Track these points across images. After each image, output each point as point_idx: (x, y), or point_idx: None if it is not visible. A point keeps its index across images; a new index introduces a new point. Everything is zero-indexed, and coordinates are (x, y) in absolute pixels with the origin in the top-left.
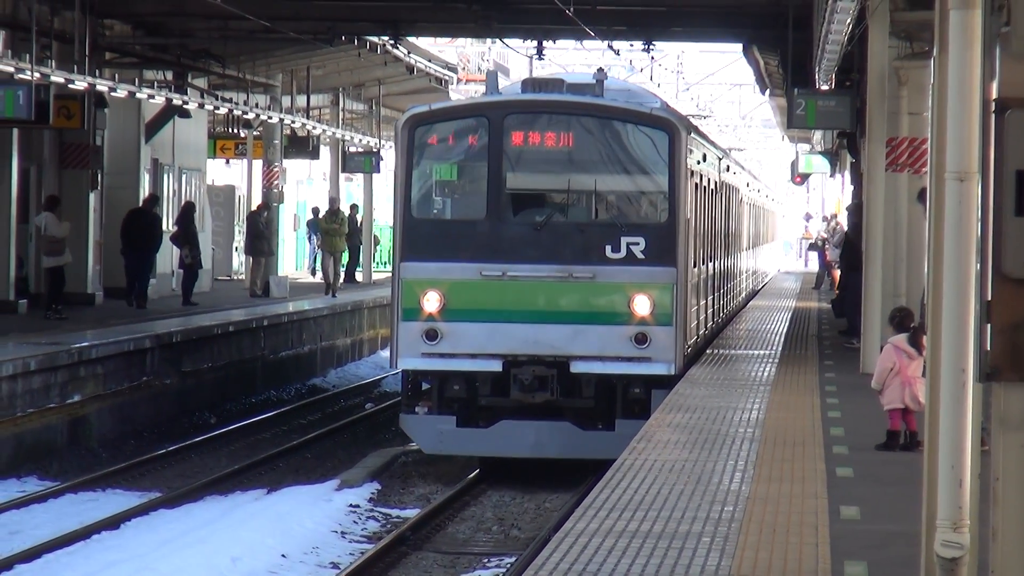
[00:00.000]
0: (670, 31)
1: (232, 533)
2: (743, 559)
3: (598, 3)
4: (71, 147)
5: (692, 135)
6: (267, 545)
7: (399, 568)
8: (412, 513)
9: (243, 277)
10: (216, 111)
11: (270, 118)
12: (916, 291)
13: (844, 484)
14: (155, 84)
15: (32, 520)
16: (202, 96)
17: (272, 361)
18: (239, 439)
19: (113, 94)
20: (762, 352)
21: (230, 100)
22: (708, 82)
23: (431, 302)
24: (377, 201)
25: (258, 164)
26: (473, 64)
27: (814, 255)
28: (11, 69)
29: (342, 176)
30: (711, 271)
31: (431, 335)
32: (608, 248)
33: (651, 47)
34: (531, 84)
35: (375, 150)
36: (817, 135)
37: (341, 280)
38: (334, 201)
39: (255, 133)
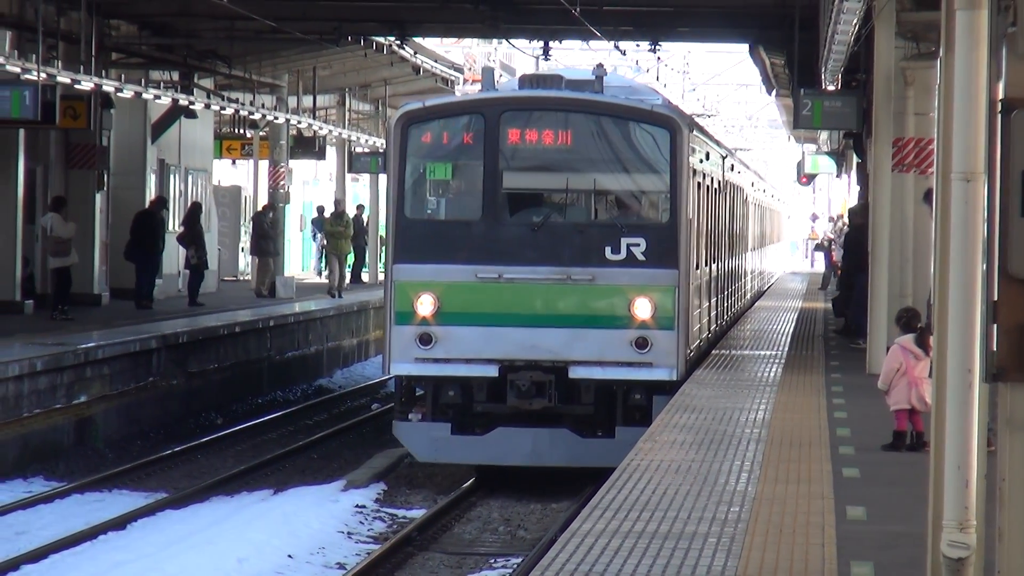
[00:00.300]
0: (676, 31)
1: (239, 534)
2: (750, 560)
3: (604, 3)
4: (77, 147)
5: (694, 133)
6: (273, 546)
7: (405, 568)
8: (418, 513)
9: (249, 277)
10: (222, 111)
11: (276, 118)
12: (922, 291)
13: (850, 485)
14: (161, 84)
15: (38, 520)
16: (208, 96)
17: (278, 362)
18: (245, 440)
19: (119, 94)
20: (768, 353)
21: (236, 100)
22: (714, 82)
23: (425, 305)
24: (383, 202)
25: (264, 164)
26: (480, 65)
27: (820, 255)
28: (17, 69)
29: (348, 177)
30: (715, 272)
31: (425, 339)
32: (608, 249)
33: (657, 47)
34: (529, 80)
35: (381, 151)
36: (823, 135)
37: (347, 281)
38: (339, 203)
39: (261, 134)
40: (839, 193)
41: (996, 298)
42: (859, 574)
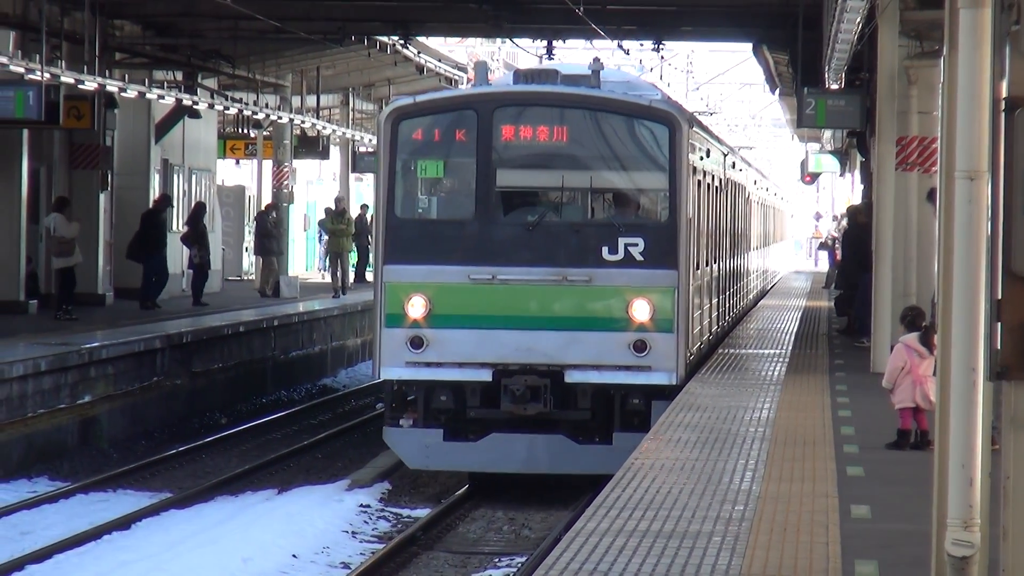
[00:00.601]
0: (680, 31)
1: (243, 533)
2: (754, 558)
3: (608, 2)
4: (81, 148)
5: (694, 129)
6: (278, 545)
7: (410, 568)
8: (423, 513)
9: (253, 277)
10: (226, 111)
11: (280, 118)
12: (926, 290)
13: (855, 483)
14: (165, 84)
15: (43, 520)
16: (212, 96)
17: (282, 361)
18: (250, 439)
19: (123, 94)
20: (772, 351)
21: (240, 100)
22: (718, 81)
23: (416, 307)
24: None
25: (268, 164)
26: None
27: (824, 254)
28: (21, 70)
29: (352, 176)
30: (716, 273)
31: (416, 343)
32: (605, 250)
33: (661, 47)
34: (523, 75)
35: None
36: (827, 134)
37: (351, 280)
38: (340, 201)
39: (265, 133)
40: (843, 192)
41: (1000, 296)
42: (863, 573)
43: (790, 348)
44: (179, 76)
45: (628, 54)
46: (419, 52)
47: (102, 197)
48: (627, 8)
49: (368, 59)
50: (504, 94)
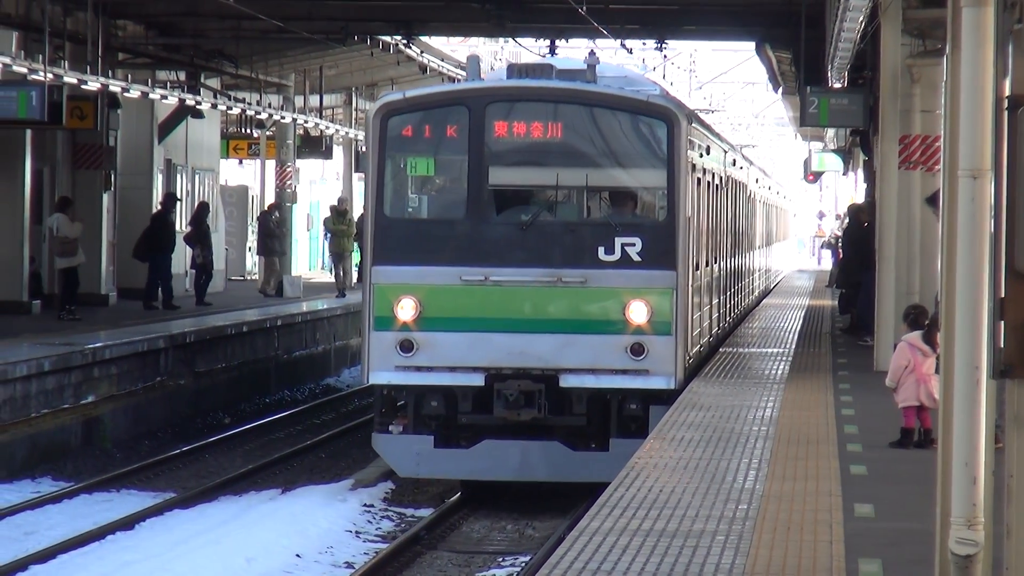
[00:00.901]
0: (683, 30)
1: (247, 533)
2: (758, 557)
3: (611, 2)
4: (84, 148)
5: (693, 125)
6: (282, 545)
7: (414, 567)
8: (426, 512)
9: (256, 277)
10: (229, 111)
11: (283, 118)
12: (929, 289)
13: (858, 482)
14: (168, 84)
15: (47, 521)
16: (215, 96)
17: (286, 361)
18: (253, 439)
19: (126, 95)
20: (775, 350)
21: (243, 100)
22: (721, 80)
23: (406, 310)
24: None
25: (271, 164)
26: (486, 64)
27: (827, 253)
28: (24, 70)
29: (355, 176)
30: (716, 273)
31: (406, 346)
32: (601, 250)
33: (664, 46)
34: (517, 70)
35: None
36: (830, 133)
37: (354, 280)
38: (343, 202)
39: (268, 133)
40: (846, 191)
41: (1003, 295)
42: (867, 571)
43: (793, 347)
44: (182, 76)
45: (631, 53)
46: (422, 52)
47: (105, 197)
48: (630, 7)
49: (371, 59)
50: (497, 89)
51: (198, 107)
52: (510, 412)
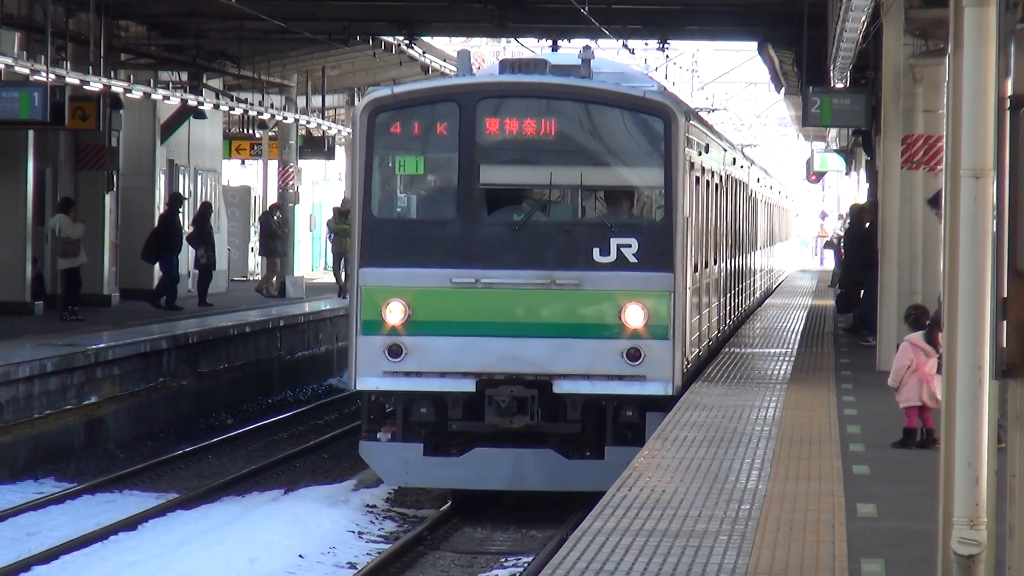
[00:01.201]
0: (685, 30)
1: (249, 534)
2: (760, 557)
3: (613, 2)
4: (86, 148)
5: (692, 122)
6: (284, 545)
7: (416, 568)
8: (429, 512)
9: (259, 277)
10: (231, 112)
11: (285, 118)
12: (932, 289)
13: (861, 482)
14: (170, 85)
15: (49, 521)
16: (217, 97)
17: (288, 361)
18: (256, 440)
19: (128, 95)
20: (778, 350)
21: (245, 101)
22: (723, 80)
23: (394, 313)
24: None
25: (273, 165)
26: (488, 63)
27: (830, 253)
28: (26, 71)
29: None
30: (716, 274)
31: (394, 351)
32: (596, 251)
33: (666, 46)
34: (510, 65)
35: None
36: (832, 133)
37: None
38: (346, 202)
39: (270, 134)
40: (848, 191)
41: (1006, 295)
42: (870, 571)
43: (796, 347)
44: (184, 77)
45: (633, 53)
46: (424, 52)
47: (108, 198)
48: (632, 7)
49: (373, 59)
50: (488, 85)
51: (200, 107)
52: (502, 419)
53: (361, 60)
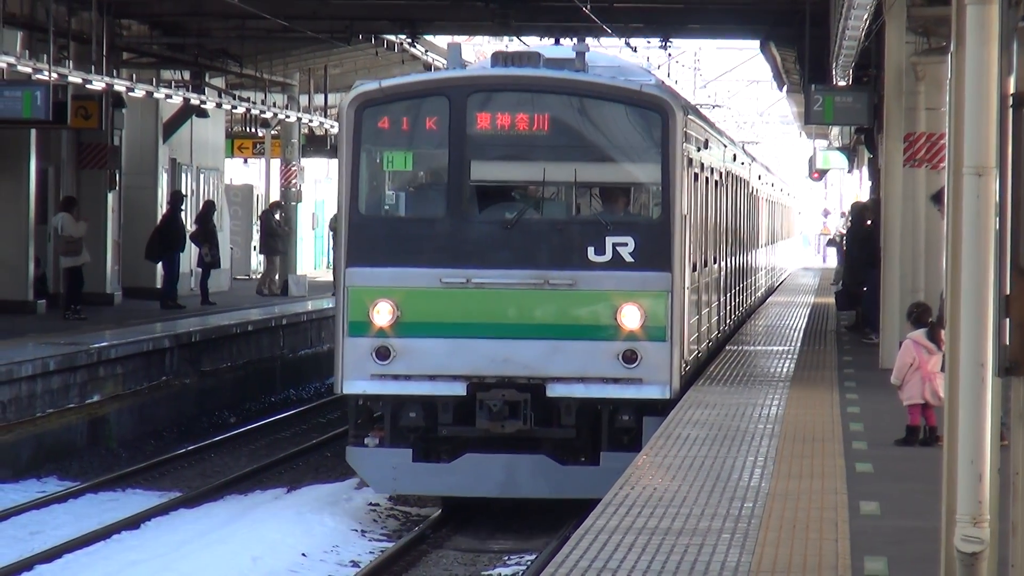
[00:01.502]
0: (687, 28)
1: (252, 532)
2: (763, 555)
3: (615, 0)
4: (89, 147)
5: (690, 117)
6: (287, 544)
7: (419, 566)
8: (432, 511)
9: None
10: (234, 110)
11: (288, 117)
12: (934, 286)
13: (864, 480)
14: (173, 84)
15: (52, 520)
16: (220, 96)
17: (291, 360)
18: (259, 438)
19: (131, 94)
20: (780, 348)
21: (248, 99)
22: (725, 78)
23: (382, 315)
24: None
25: (276, 163)
26: None
27: (832, 251)
28: (29, 70)
29: None
30: (716, 273)
31: (382, 353)
32: (591, 250)
33: (668, 44)
34: (502, 58)
35: None
36: (835, 131)
37: None
38: None
39: (273, 132)
40: (851, 188)
41: (1008, 292)
42: (873, 569)
43: (798, 345)
44: (187, 75)
45: (636, 51)
46: (427, 51)
47: (110, 197)
48: (634, 6)
49: (376, 58)
50: (479, 78)
51: (203, 106)
52: (493, 424)
53: (363, 59)
